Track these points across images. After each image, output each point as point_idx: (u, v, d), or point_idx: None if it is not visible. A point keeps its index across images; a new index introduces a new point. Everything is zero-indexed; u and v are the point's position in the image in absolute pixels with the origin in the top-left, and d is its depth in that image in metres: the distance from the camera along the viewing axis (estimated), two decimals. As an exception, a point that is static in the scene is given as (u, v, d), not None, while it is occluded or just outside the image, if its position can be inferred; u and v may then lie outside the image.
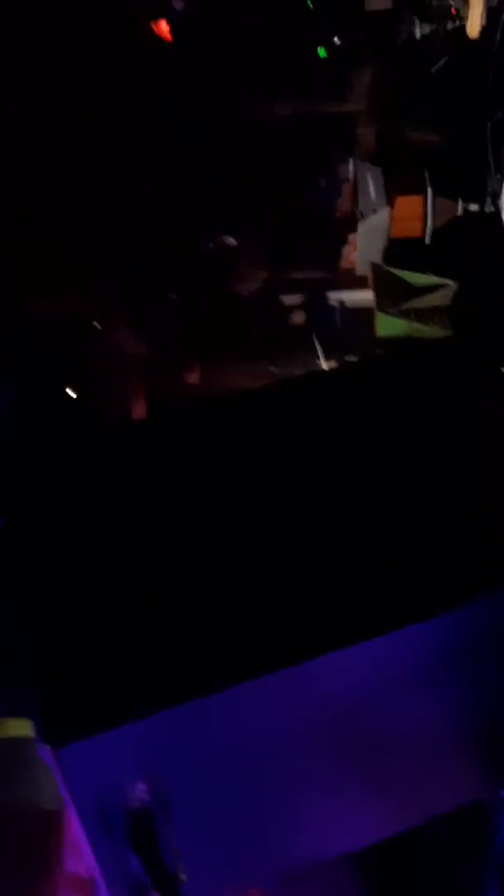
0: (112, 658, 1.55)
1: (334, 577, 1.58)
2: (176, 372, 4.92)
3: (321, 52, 5.19)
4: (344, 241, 5.46)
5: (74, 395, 4.60)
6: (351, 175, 5.30)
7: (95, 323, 4.87)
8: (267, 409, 2.00)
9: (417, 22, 4.79)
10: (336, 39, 5.11)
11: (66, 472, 2.03)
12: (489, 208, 5.15)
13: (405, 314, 5.37)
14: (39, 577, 1.74)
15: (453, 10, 4.73)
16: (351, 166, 5.27)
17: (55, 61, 4.88)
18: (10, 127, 4.77)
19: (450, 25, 4.82)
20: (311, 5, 5.11)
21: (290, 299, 5.48)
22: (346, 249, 5.45)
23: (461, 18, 4.77)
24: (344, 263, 5.49)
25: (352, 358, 5.26)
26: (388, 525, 1.64)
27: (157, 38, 5.25)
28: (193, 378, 5.14)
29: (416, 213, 5.27)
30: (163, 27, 5.22)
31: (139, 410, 4.69)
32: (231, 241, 5.34)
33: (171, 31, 5.24)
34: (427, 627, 1.51)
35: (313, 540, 1.67)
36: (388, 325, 5.40)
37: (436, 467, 1.76)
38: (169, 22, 5.25)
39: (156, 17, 5.25)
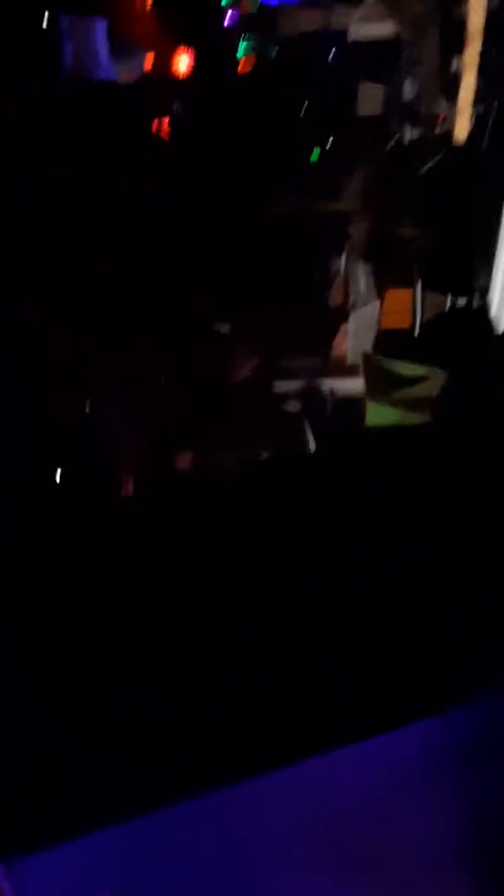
0: (72, 766, 1.52)
1: (329, 676, 1.56)
2: (166, 458, 4.96)
3: (315, 154, 5.40)
4: (336, 332, 5.58)
5: (59, 479, 4.63)
6: (343, 269, 5.45)
7: (87, 408, 4.94)
8: (259, 493, 2.01)
9: (407, 126, 5.00)
10: (328, 143, 5.33)
11: (45, 553, 2.02)
12: (477, 303, 5.27)
13: (395, 403, 5.43)
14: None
15: (441, 117, 4.94)
16: (343, 261, 5.42)
17: (55, 159, 5.08)
18: (12, 216, 4.94)
19: (438, 130, 5.03)
20: (304, 110, 5.35)
21: (283, 386, 5.56)
22: (338, 339, 5.56)
23: (449, 123, 4.98)
24: (336, 353, 5.59)
25: (342, 445, 5.30)
26: (387, 621, 1.62)
27: (158, 139, 5.49)
28: (184, 464, 5.17)
29: (405, 306, 5.40)
30: (163, 128, 5.45)
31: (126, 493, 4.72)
32: (224, 328, 5.46)
33: (171, 132, 5.47)
34: (425, 727, 1.48)
35: (308, 633, 1.65)
36: (378, 414, 5.47)
37: (436, 561, 1.75)
38: (169, 123, 5.48)
39: (157, 118, 5.49)
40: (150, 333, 5.25)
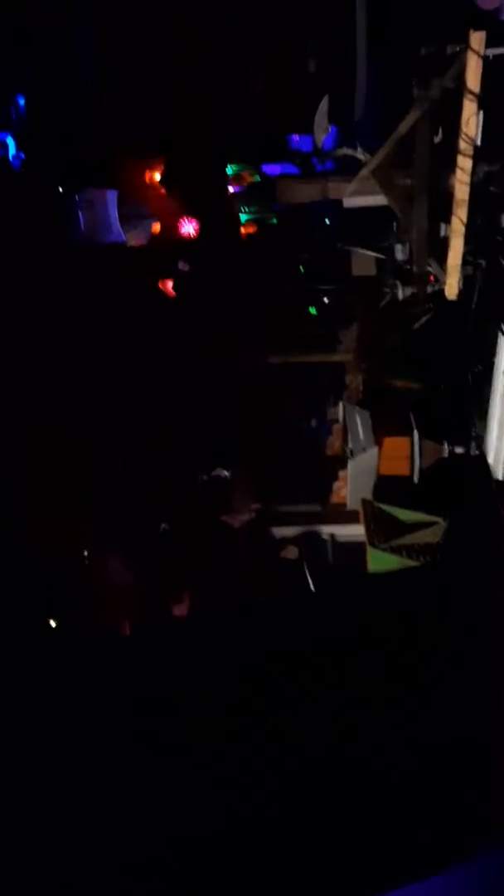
0: None
1: (328, 834, 1.48)
2: (164, 604, 4.90)
3: (312, 310, 5.65)
4: (335, 478, 5.63)
5: (54, 625, 4.58)
6: (341, 417, 5.57)
7: (85, 553, 4.94)
8: (258, 636, 1.96)
9: (400, 285, 5.24)
10: (325, 299, 5.59)
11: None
12: (474, 451, 5.34)
13: (396, 550, 5.40)
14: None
15: (432, 278, 5.19)
16: (341, 409, 5.55)
17: (70, 314, 5.32)
18: (27, 367, 5.12)
19: (429, 289, 5.27)
20: (302, 270, 5.64)
21: (283, 532, 5.56)
22: (337, 485, 5.61)
23: (440, 283, 5.22)
24: (335, 499, 5.63)
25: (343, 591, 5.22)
26: (387, 777, 1.55)
27: (164, 295, 5.76)
28: (181, 611, 5.11)
29: (403, 454, 5.47)
30: (168, 286, 5.73)
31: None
32: (224, 473, 5.52)
33: (176, 289, 5.75)
34: (427, 887, 1.39)
35: (305, 784, 1.59)
36: (379, 560, 5.42)
37: (436, 710, 1.69)
38: (175, 281, 5.76)
39: (163, 277, 5.78)
40: (152, 477, 5.32)
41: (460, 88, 4.27)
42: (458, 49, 4.18)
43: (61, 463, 5.09)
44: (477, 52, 4.05)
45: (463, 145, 4.47)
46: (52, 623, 4.64)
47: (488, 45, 4.00)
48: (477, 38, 4.02)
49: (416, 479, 5.47)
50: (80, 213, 5.60)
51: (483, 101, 4.25)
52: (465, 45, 4.08)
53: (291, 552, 5.45)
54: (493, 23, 3.74)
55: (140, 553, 4.98)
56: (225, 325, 5.44)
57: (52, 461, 5.05)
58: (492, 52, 4.02)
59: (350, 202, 5.68)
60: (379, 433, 5.40)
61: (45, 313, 5.20)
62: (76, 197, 5.56)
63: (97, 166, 5.37)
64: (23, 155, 5.53)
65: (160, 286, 5.75)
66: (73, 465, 5.08)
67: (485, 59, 4.07)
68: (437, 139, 4.75)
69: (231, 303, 5.48)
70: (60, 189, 5.60)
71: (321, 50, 5.46)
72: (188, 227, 5.63)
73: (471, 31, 3.99)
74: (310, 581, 5.35)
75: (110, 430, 5.31)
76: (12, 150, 5.46)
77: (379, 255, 5.47)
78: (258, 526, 5.54)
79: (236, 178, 5.57)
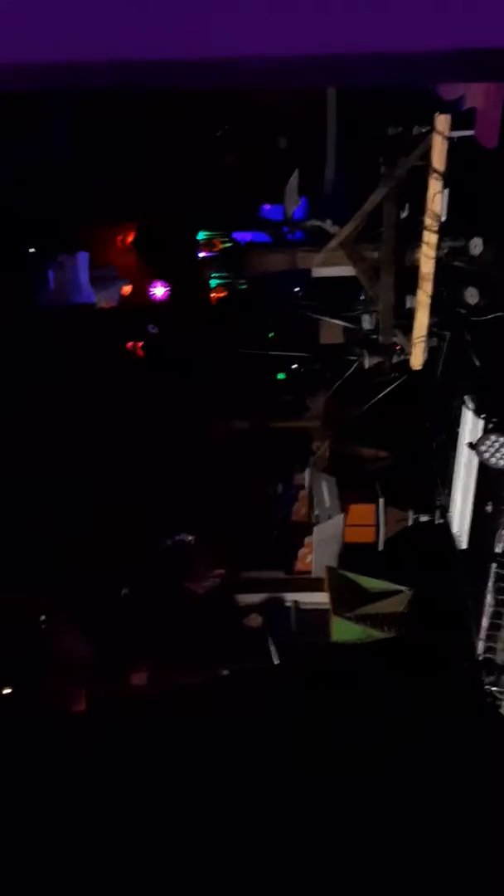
0: None
1: None
2: (121, 674, 4.76)
3: (280, 376, 5.67)
4: (300, 544, 5.58)
5: (9, 692, 4.42)
6: (307, 483, 5.55)
7: (42, 618, 4.80)
8: (220, 710, 1.86)
9: (367, 354, 5.30)
10: (293, 366, 5.62)
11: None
12: (439, 520, 5.34)
13: (361, 619, 5.34)
14: None
15: (398, 347, 5.25)
16: (307, 475, 5.53)
17: (38, 374, 5.27)
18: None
19: (395, 359, 5.33)
20: (271, 336, 5.68)
21: (246, 599, 5.47)
22: (303, 552, 5.56)
23: (405, 353, 5.28)
24: (300, 566, 5.57)
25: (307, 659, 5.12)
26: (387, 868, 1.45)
27: (133, 357, 5.75)
28: (140, 680, 4.97)
29: (369, 521, 5.45)
30: (137, 347, 5.72)
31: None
32: (189, 538, 5.45)
33: (145, 351, 5.74)
34: None
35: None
36: (343, 630, 5.35)
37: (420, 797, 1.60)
38: (144, 343, 5.76)
39: (132, 339, 5.78)
40: (115, 540, 5.23)
41: (426, 167, 4.41)
42: (423, 130, 4.33)
43: (21, 524, 4.99)
44: (442, 134, 4.19)
45: (428, 221, 4.59)
46: (6, 690, 4.49)
47: (452, 128, 4.15)
48: (443, 121, 4.17)
49: (380, 546, 5.45)
50: (49, 274, 5.61)
51: (448, 180, 4.39)
52: (431, 127, 4.22)
53: (255, 620, 5.36)
54: (455, 110, 3.89)
55: (100, 619, 4.86)
56: (193, 390, 5.43)
57: (12, 522, 4.96)
58: (456, 134, 4.15)
59: (318, 272, 5.77)
60: (345, 500, 5.39)
61: (11, 373, 5.16)
62: (46, 258, 5.58)
63: (69, 229, 5.40)
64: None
65: (129, 348, 5.75)
66: (34, 526, 4.98)
67: (449, 140, 4.21)
68: (404, 215, 4.88)
69: (199, 367, 5.48)
70: (31, 250, 5.62)
71: (292, 126, 5.61)
72: (158, 290, 5.67)
73: (437, 114, 4.13)
74: (273, 651, 5.25)
75: (74, 491, 5.23)
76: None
77: (347, 325, 5.54)
78: (222, 592, 5.45)
79: (207, 244, 5.63)
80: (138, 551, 5.35)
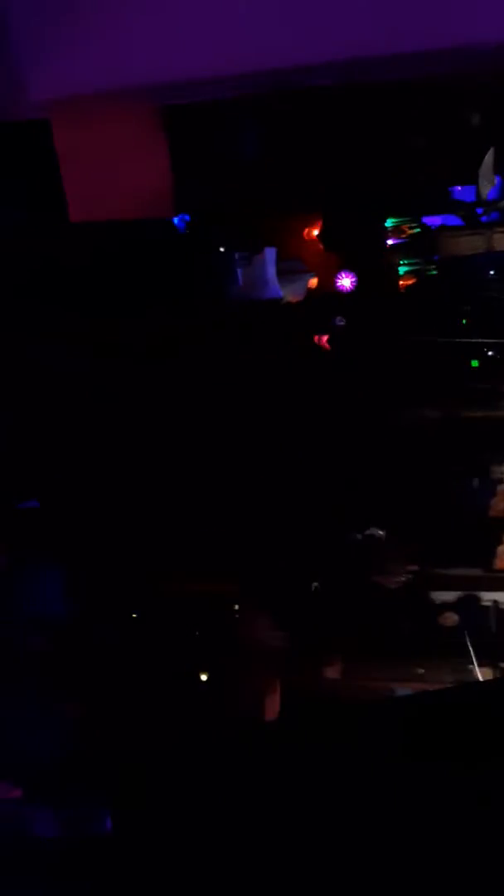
0: None
1: None
2: (314, 667, 4.74)
3: (474, 363, 5.41)
4: (499, 541, 5.31)
5: (205, 678, 4.52)
6: (505, 477, 5.27)
7: (235, 606, 4.88)
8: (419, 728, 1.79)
9: None
10: (489, 352, 5.35)
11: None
12: None
13: None
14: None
15: None
16: (505, 467, 5.25)
17: (228, 370, 5.39)
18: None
19: None
20: (464, 322, 5.43)
21: (441, 597, 5.27)
22: (501, 549, 5.28)
23: None
24: (498, 564, 5.30)
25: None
26: None
27: (320, 350, 5.72)
28: (333, 674, 4.93)
29: None
30: (324, 341, 5.69)
31: (272, 705, 4.50)
32: (380, 532, 5.33)
33: (332, 344, 5.69)
34: None
35: None
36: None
37: None
38: (330, 336, 5.72)
39: (319, 332, 5.75)
40: (305, 535, 5.22)
41: None
42: None
43: (210, 518, 5.10)
44: None
45: None
46: (203, 677, 4.60)
47: None
48: None
49: None
50: (238, 271, 5.69)
51: None
52: None
53: (450, 619, 5.16)
54: None
55: (291, 611, 4.87)
56: (382, 380, 5.31)
57: (202, 515, 5.08)
58: None
59: (516, 253, 5.45)
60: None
61: (205, 372, 5.29)
62: (235, 255, 5.67)
63: (256, 226, 5.46)
64: (188, 217, 5.72)
65: (316, 341, 5.72)
66: (223, 521, 5.07)
67: None
68: None
69: (389, 357, 5.35)
70: (221, 249, 5.73)
71: (485, 102, 5.33)
72: (345, 281, 5.59)
73: None
74: (471, 652, 5.03)
75: (264, 485, 5.28)
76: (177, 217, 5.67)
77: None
78: (414, 589, 5.28)
79: (395, 231, 5.48)
80: (328, 545, 5.31)
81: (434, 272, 5.39)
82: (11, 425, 4.85)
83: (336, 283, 5.55)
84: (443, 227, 5.44)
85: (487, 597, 5.22)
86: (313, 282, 5.62)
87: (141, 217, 5.04)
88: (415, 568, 5.36)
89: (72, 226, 4.75)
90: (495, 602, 5.25)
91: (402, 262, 5.37)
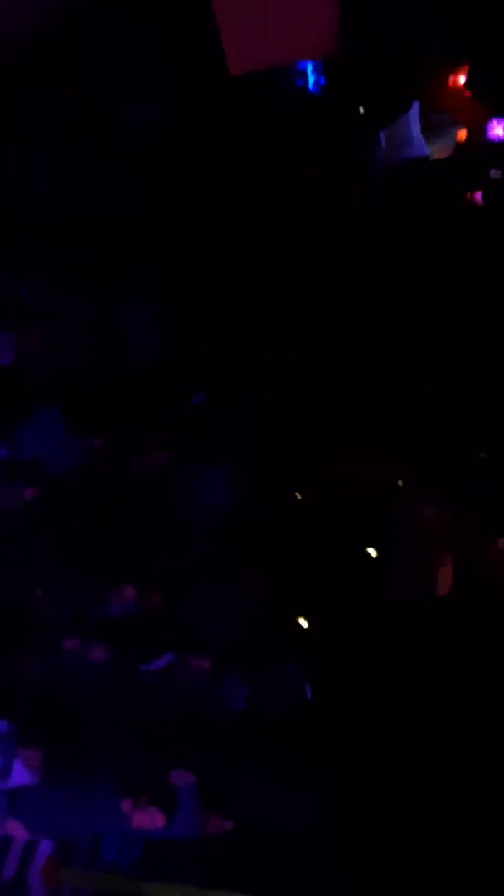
0: None
1: None
2: (484, 540, 4.79)
3: None
4: None
5: (375, 554, 4.73)
6: None
7: (400, 482, 4.97)
8: None
9: None
10: None
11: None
12: None
13: None
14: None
15: None
16: None
17: (377, 240, 5.21)
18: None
19: None
20: None
21: None
22: None
23: None
24: None
25: None
26: None
27: (474, 208, 5.40)
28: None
29: None
30: (478, 197, 5.37)
31: (444, 579, 4.63)
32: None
33: (486, 199, 5.37)
34: None
35: None
36: None
37: None
38: (485, 191, 5.39)
39: (472, 189, 5.42)
40: (467, 403, 5.13)
41: None
42: None
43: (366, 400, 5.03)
44: None
45: None
46: (373, 552, 4.78)
47: None
48: None
49: None
50: (380, 134, 5.39)
51: None
52: None
53: None
54: None
55: (455, 487, 4.89)
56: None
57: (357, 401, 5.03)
58: None
59: None
60: None
61: (349, 240, 5.15)
62: (375, 115, 5.35)
63: (398, 80, 5.08)
64: (323, 81, 5.44)
65: (469, 198, 5.40)
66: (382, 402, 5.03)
67: None
68: None
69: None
70: (361, 110, 5.42)
71: None
72: (499, 130, 5.18)
73: None
74: None
75: (432, 366, 5.11)
76: (312, 78, 5.40)
77: None
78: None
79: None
80: (495, 410, 5.20)
81: None
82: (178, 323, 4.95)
83: (488, 132, 5.14)
84: None
85: None
86: (462, 134, 5.22)
87: (304, 59, 4.82)
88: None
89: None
90: None
91: None
